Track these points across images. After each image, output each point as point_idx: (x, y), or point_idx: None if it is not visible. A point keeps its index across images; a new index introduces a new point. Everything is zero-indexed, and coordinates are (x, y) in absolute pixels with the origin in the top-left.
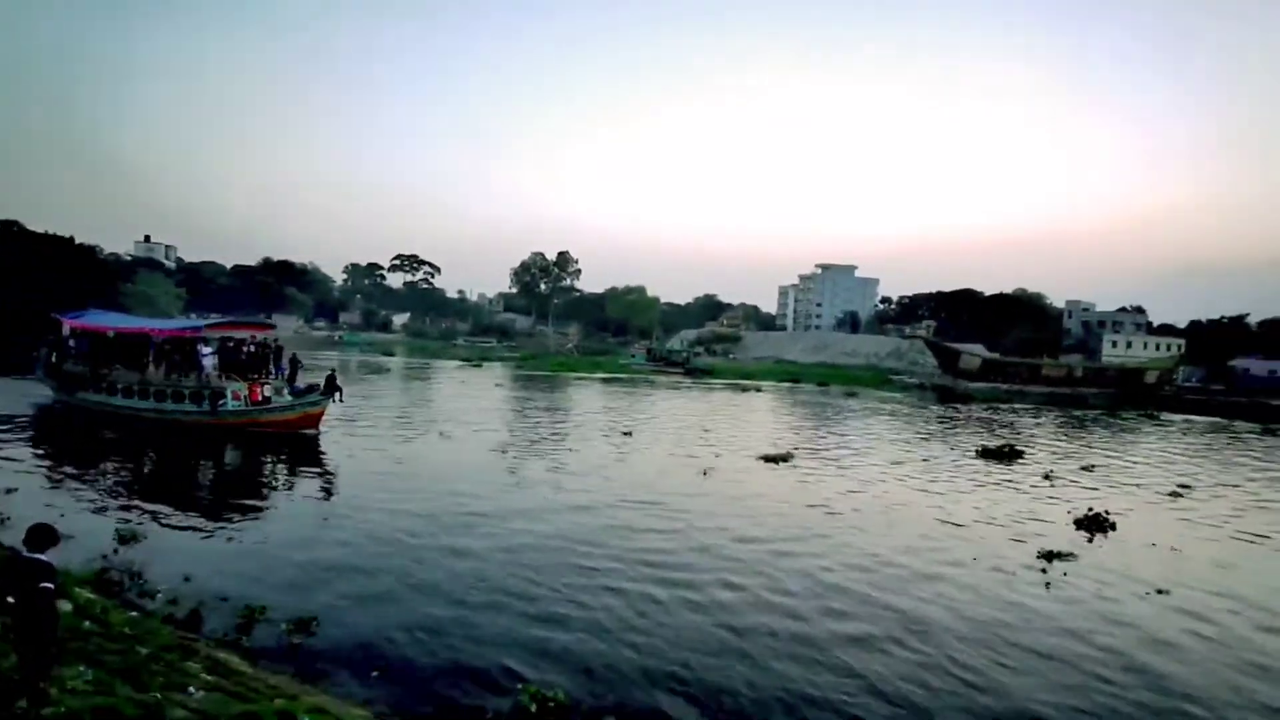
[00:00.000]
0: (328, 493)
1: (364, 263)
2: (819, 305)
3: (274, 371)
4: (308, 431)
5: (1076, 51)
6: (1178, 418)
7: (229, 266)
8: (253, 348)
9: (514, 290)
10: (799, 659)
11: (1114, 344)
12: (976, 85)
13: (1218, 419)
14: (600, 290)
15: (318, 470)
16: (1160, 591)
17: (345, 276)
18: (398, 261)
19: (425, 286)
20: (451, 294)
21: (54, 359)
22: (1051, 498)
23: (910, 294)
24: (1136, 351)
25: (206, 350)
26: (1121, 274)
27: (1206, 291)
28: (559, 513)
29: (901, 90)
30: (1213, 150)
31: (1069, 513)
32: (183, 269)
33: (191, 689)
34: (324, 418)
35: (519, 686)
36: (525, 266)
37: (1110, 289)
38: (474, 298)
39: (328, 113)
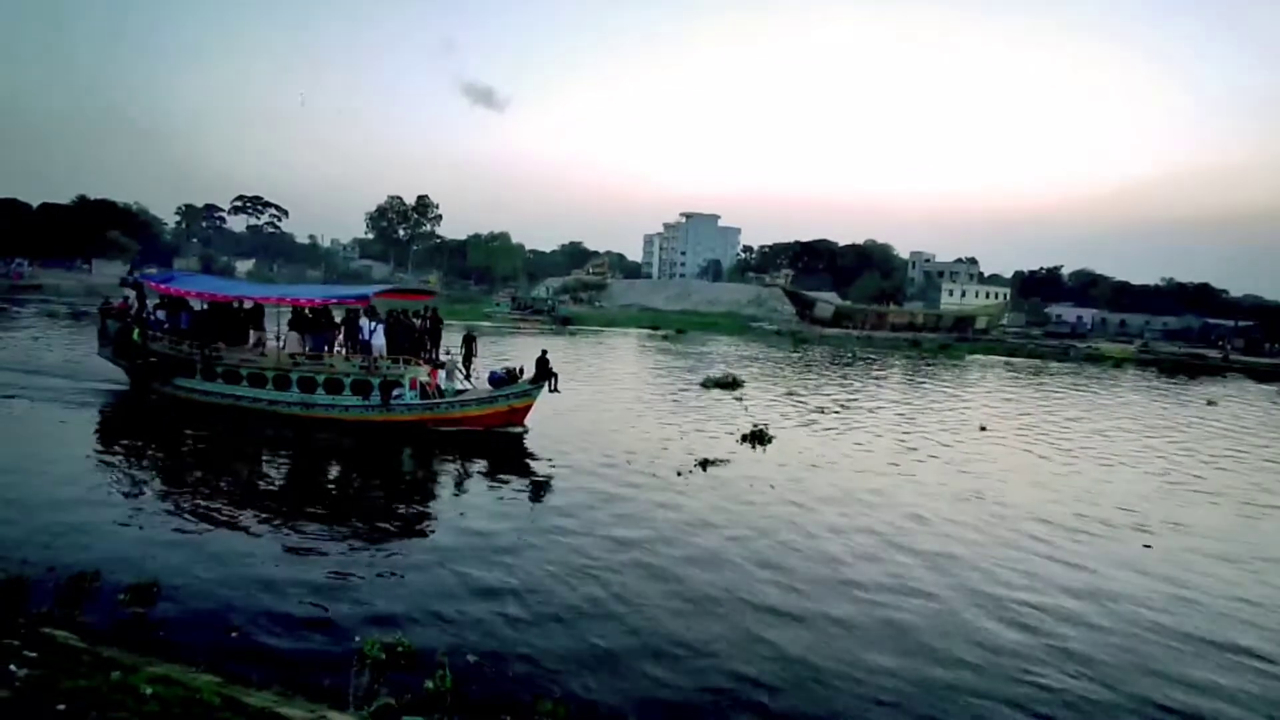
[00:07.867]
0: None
1: (200, 204)
2: (683, 254)
3: (440, 352)
4: (513, 430)
5: (913, 11)
6: (991, 358)
7: (35, 205)
8: (427, 322)
9: (370, 236)
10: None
11: (950, 292)
12: (827, 44)
13: (1013, 359)
14: (463, 237)
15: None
16: (771, 487)
17: (179, 219)
18: (239, 203)
19: (272, 230)
20: (302, 239)
21: (135, 335)
22: (746, 417)
23: (770, 243)
24: (970, 300)
25: (374, 326)
26: (960, 225)
27: (1032, 240)
28: None
29: (760, 45)
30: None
31: (737, 429)
32: None
33: (13, 666)
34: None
35: (357, 640)
36: (382, 211)
37: (949, 239)
38: (326, 243)
39: (142, 31)
